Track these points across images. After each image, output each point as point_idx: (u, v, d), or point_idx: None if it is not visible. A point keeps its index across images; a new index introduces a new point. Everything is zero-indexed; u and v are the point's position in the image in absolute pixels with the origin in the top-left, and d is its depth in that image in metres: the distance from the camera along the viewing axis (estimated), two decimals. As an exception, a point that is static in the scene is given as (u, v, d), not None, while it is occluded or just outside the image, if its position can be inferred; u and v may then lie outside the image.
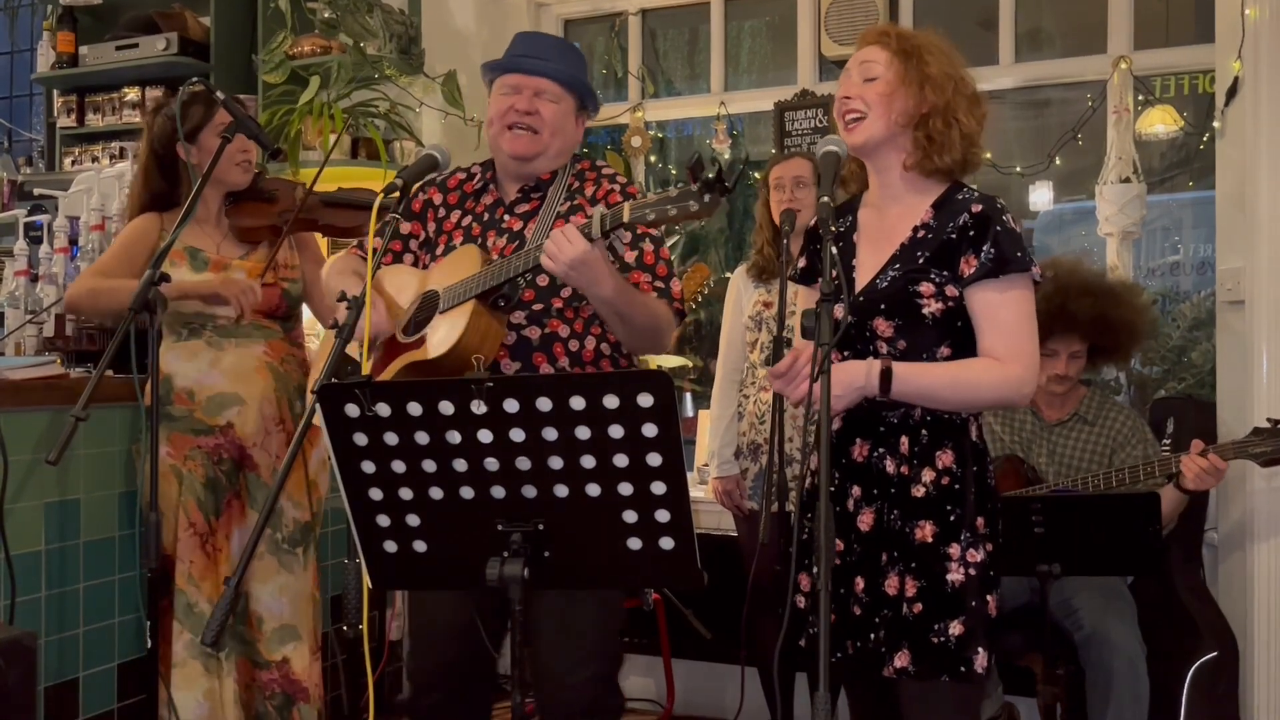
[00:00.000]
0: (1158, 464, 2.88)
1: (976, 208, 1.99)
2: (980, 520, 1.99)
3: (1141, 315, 3.17)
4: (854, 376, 1.94)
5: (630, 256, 2.26)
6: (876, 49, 2.05)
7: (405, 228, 2.45)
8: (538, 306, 2.23)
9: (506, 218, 2.35)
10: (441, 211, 2.45)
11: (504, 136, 2.31)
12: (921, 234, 2.03)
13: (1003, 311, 1.96)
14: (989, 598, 1.98)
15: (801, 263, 2.26)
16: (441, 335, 2.15)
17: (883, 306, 2.00)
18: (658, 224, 1.93)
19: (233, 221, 2.98)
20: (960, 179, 2.08)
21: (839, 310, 1.85)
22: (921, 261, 2.00)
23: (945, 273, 1.98)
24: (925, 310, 1.98)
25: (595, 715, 2.26)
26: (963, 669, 1.93)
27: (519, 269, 2.09)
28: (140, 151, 3.02)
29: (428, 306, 2.25)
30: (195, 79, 2.81)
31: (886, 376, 1.93)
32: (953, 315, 1.99)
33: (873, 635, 1.99)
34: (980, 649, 1.94)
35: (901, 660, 1.95)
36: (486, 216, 2.38)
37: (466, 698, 2.36)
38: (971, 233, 1.97)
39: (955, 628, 1.93)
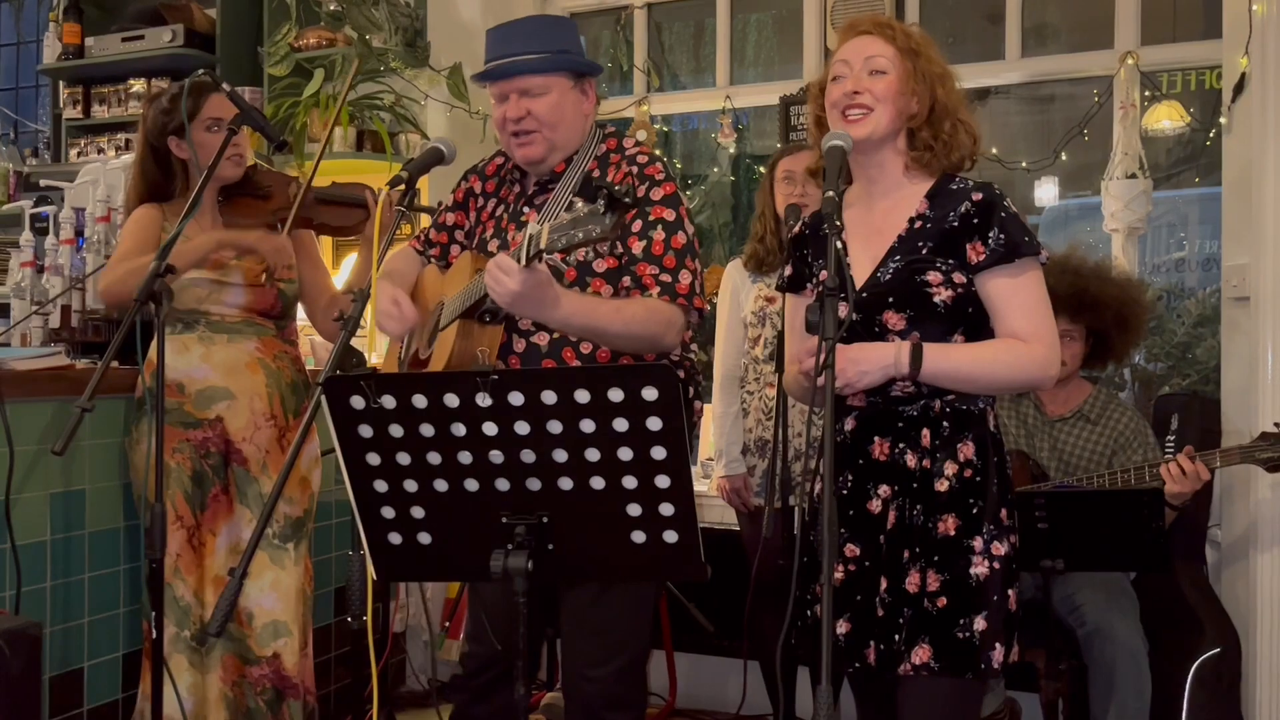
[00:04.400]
0: (1148, 469, 2.87)
1: (977, 195, 1.98)
2: (1004, 512, 1.98)
3: (1127, 293, 3.16)
4: (883, 355, 1.92)
5: (637, 247, 2.18)
6: (880, 41, 2.02)
7: (450, 219, 2.43)
8: None
9: (526, 210, 2.32)
10: (480, 200, 2.42)
11: (511, 146, 2.28)
12: (919, 225, 2.01)
13: (1020, 294, 1.95)
14: (1010, 592, 1.95)
15: (787, 271, 2.22)
16: (437, 354, 2.17)
17: (891, 299, 1.98)
18: (569, 249, 1.84)
19: (228, 219, 2.96)
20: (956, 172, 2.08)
21: (842, 307, 1.83)
22: (925, 251, 1.98)
23: (951, 260, 1.97)
24: (936, 299, 1.96)
25: (617, 709, 2.25)
26: (983, 666, 1.91)
27: (477, 293, 2.07)
28: (136, 144, 3.02)
29: (437, 322, 2.26)
30: (201, 70, 2.81)
31: (917, 354, 1.91)
32: (963, 302, 1.97)
33: (896, 636, 1.95)
34: (998, 644, 1.92)
35: (921, 656, 1.92)
36: (512, 208, 2.36)
37: (507, 686, 2.36)
38: (976, 220, 1.96)
39: (979, 623, 1.91)
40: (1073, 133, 3.88)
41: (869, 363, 1.91)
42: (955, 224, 1.97)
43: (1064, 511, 2.74)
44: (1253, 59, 3.21)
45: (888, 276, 2.00)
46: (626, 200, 1.78)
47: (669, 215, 2.19)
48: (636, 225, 2.17)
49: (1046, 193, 4.29)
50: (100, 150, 4.97)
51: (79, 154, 5.04)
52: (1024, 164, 4.00)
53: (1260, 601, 3.12)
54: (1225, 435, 3.26)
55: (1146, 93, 3.73)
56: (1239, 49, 3.26)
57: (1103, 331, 3.14)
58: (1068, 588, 2.94)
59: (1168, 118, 3.69)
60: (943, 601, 1.92)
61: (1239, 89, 3.30)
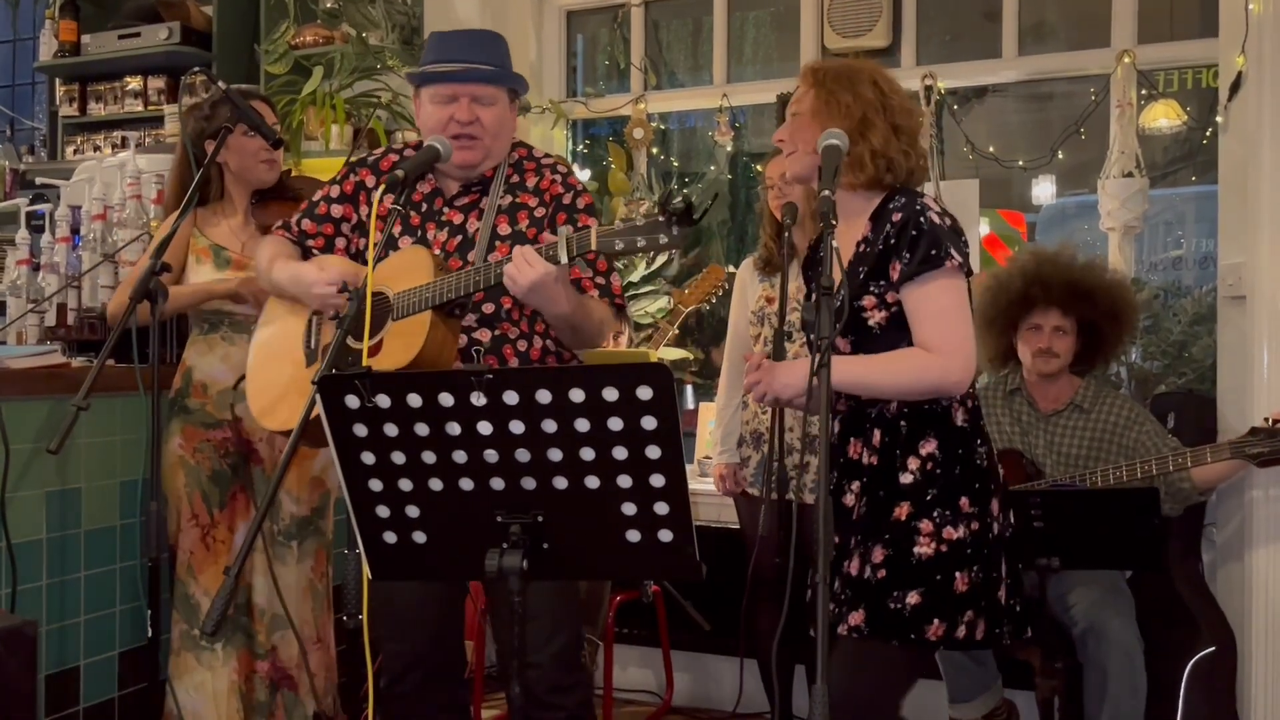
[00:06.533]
0: (1190, 454, 2.87)
1: (896, 216, 2.08)
2: (964, 500, 2.07)
3: (1120, 285, 3.20)
4: (802, 370, 2.06)
5: None
6: (802, 88, 2.19)
7: (337, 210, 2.45)
8: (488, 308, 2.27)
9: (446, 210, 2.38)
10: (374, 195, 2.42)
11: (449, 147, 2.31)
12: (863, 248, 2.13)
13: (924, 304, 2.05)
14: (958, 574, 2.04)
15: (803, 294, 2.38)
16: (400, 346, 2.18)
17: (837, 325, 2.07)
18: (625, 254, 1.95)
19: (259, 221, 3.01)
20: (899, 187, 2.15)
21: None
22: (862, 277, 2.11)
23: (882, 282, 2.08)
24: (870, 322, 2.09)
25: (563, 690, 2.31)
26: (913, 636, 2.02)
27: (479, 285, 2.12)
28: (177, 147, 3.07)
29: (378, 309, 2.26)
30: (196, 68, 2.82)
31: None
32: (898, 319, 2.08)
33: (836, 609, 2.10)
34: (935, 620, 2.02)
35: (855, 619, 2.06)
36: (425, 206, 2.39)
37: (440, 683, 2.40)
38: (893, 240, 2.07)
39: (912, 598, 2.03)
40: (1070, 131, 3.88)
41: (791, 376, 2.09)
42: (881, 247, 2.09)
43: (1059, 510, 2.75)
44: (1249, 57, 3.21)
45: (837, 304, 2.08)
46: (697, 218, 1.88)
47: (594, 224, 2.34)
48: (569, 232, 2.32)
49: (1043, 191, 4.29)
50: (96, 148, 4.97)
51: (75, 151, 5.04)
52: (1021, 162, 4.00)
53: (1255, 600, 3.13)
54: (1220, 433, 3.27)
55: (1143, 91, 3.73)
56: (1235, 47, 3.27)
57: (1096, 324, 3.15)
58: (1063, 586, 2.95)
59: (1164, 116, 3.70)
60: (882, 574, 2.05)
61: (1235, 87, 3.30)
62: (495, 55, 2.35)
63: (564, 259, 1.99)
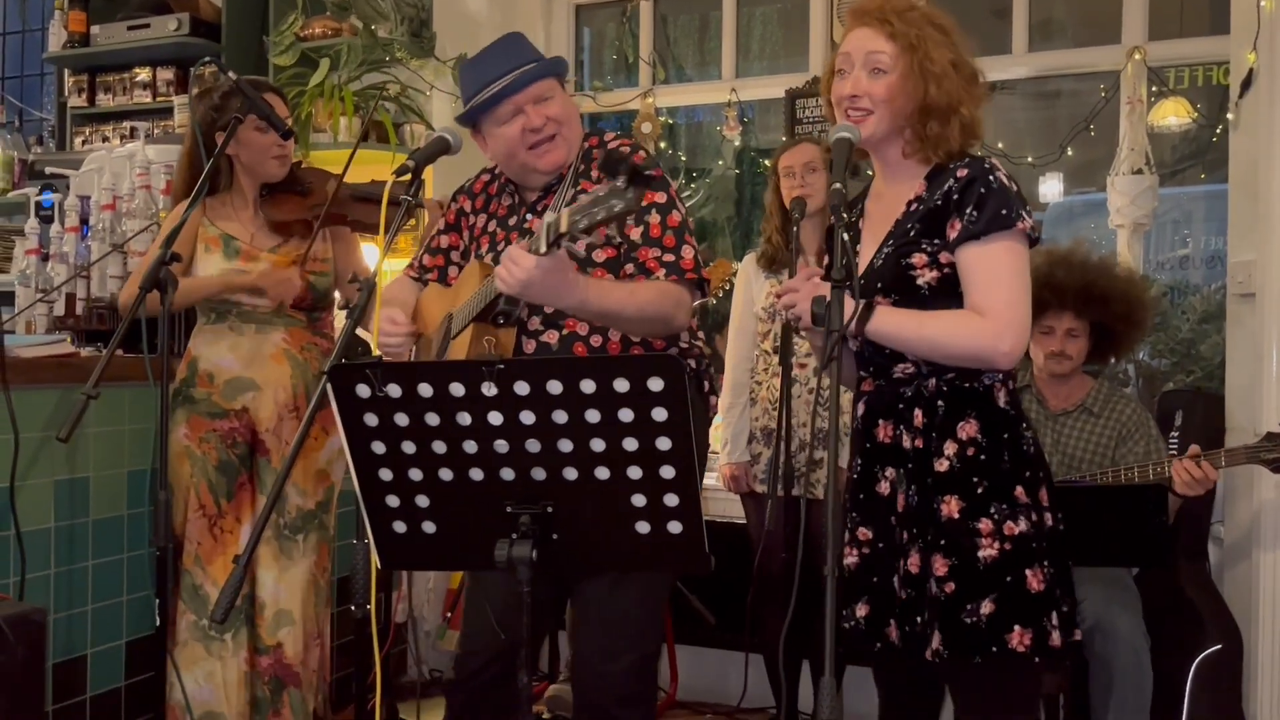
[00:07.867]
0: (1152, 467, 2.86)
1: (962, 173, 1.95)
2: (1020, 490, 1.93)
3: (1134, 287, 3.15)
4: (846, 307, 1.84)
5: (635, 233, 2.19)
6: (881, 37, 1.98)
7: (444, 241, 2.43)
8: (550, 309, 2.15)
9: (529, 217, 2.31)
10: (471, 218, 2.42)
11: (532, 156, 2.25)
12: (914, 207, 2.01)
13: (983, 268, 1.91)
14: (1029, 572, 1.90)
15: (825, 260, 2.24)
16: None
17: (880, 285, 1.98)
18: (592, 229, 1.77)
19: (267, 213, 3.01)
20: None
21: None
22: (912, 234, 1.97)
23: (937, 241, 1.95)
24: (920, 281, 1.95)
25: (629, 703, 2.22)
26: (995, 649, 1.88)
27: (488, 296, 2.05)
28: (185, 136, 3.07)
29: (447, 332, 2.26)
30: (207, 59, 2.81)
31: (867, 312, 1.91)
32: (950, 282, 1.95)
33: (918, 618, 1.95)
34: (1016, 627, 1.87)
35: (936, 642, 1.91)
36: (512, 220, 2.34)
37: (508, 683, 2.30)
38: (956, 197, 1.93)
39: (986, 607, 1.88)
40: (1079, 128, 3.87)
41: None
42: (939, 202, 1.95)
43: (1067, 506, 2.71)
44: (1260, 55, 3.20)
45: (880, 262, 2.01)
46: (648, 173, 1.74)
47: (660, 199, 2.19)
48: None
49: (1052, 188, 4.29)
50: (105, 139, 4.97)
51: (84, 142, 5.04)
52: (1030, 159, 3.99)
53: (1262, 599, 3.13)
54: (1229, 432, 3.26)
55: (1153, 88, 3.71)
56: (1247, 44, 3.26)
57: (1109, 326, 3.13)
58: (1070, 583, 2.94)
59: (1174, 114, 3.68)
60: (950, 587, 1.90)
61: (1246, 85, 3.29)
62: (529, 51, 2.27)
63: (543, 248, 1.83)
